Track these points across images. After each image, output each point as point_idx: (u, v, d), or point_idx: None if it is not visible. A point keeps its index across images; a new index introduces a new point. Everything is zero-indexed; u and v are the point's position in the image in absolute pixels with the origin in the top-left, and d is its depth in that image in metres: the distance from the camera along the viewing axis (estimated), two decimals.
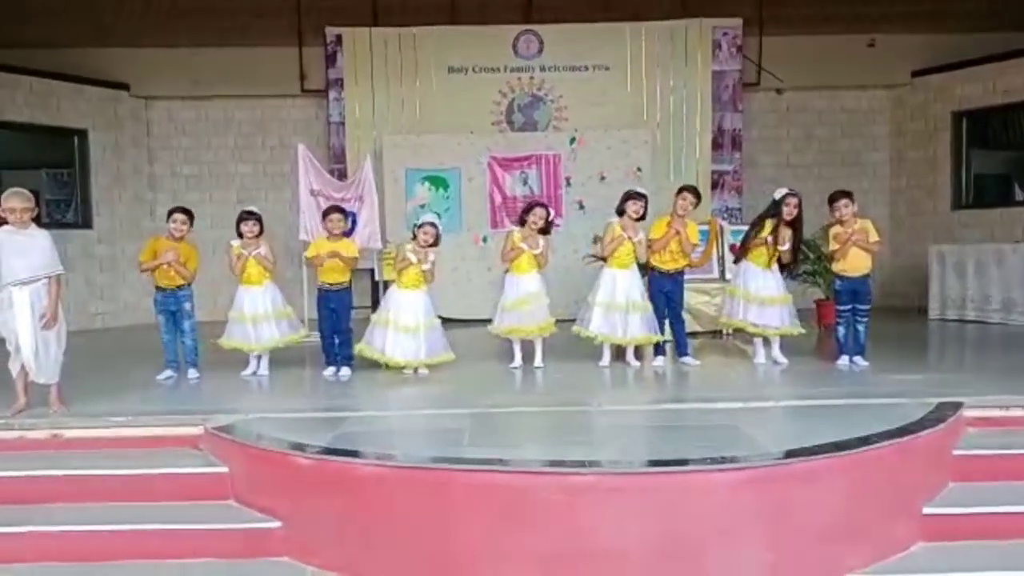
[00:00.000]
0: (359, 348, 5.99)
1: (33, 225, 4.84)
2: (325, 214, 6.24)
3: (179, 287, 5.95)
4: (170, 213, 6.01)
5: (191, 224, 6.00)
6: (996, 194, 9.96)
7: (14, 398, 4.84)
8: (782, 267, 6.05)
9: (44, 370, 4.82)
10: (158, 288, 5.97)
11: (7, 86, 9.04)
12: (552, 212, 6.23)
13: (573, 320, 6.28)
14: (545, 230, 6.16)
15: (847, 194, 5.87)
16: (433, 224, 5.96)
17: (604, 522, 3.50)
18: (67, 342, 5.00)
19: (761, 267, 5.96)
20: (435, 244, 5.93)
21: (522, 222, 6.16)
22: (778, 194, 5.99)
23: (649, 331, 6.05)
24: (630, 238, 5.97)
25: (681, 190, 6.16)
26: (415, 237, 5.96)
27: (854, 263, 5.83)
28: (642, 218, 6.06)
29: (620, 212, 6.09)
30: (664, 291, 6.16)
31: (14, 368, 4.83)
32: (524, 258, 6.09)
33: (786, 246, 5.92)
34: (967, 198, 9.95)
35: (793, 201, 5.90)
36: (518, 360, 6.21)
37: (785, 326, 5.99)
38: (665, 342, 6.26)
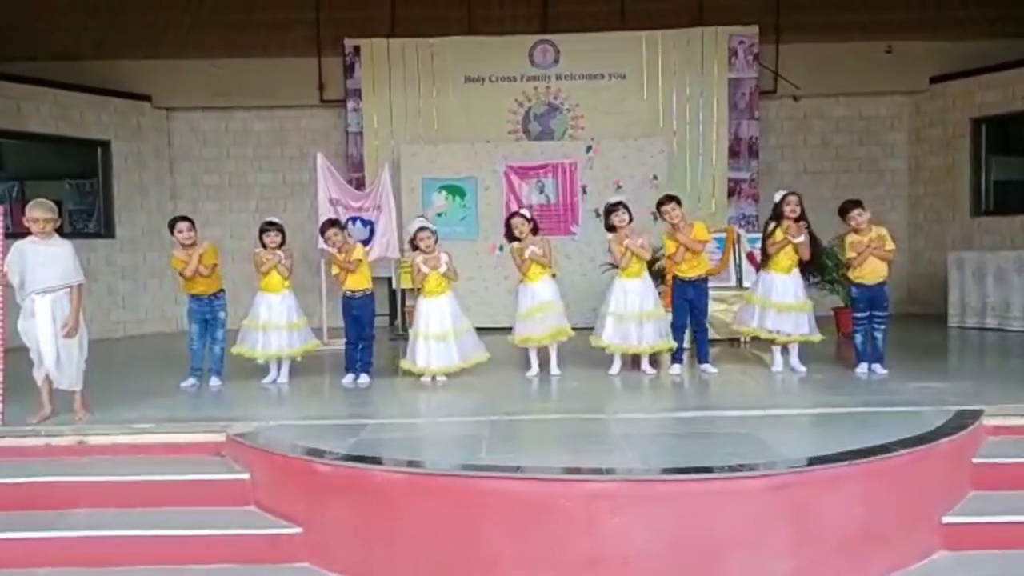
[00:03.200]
0: (402, 365, 6.08)
1: (56, 235, 4.94)
2: (322, 231, 6.32)
3: (214, 294, 6.04)
4: (171, 225, 6.05)
5: (195, 228, 6.04)
6: (1016, 201, 9.85)
7: (39, 406, 4.92)
8: (803, 269, 6.04)
9: (67, 376, 4.90)
10: (193, 296, 6.06)
11: (32, 98, 9.19)
12: (529, 213, 6.24)
13: (591, 328, 6.31)
14: (535, 230, 6.16)
15: (857, 203, 5.87)
16: (424, 228, 6.03)
17: (622, 529, 3.51)
18: (90, 350, 5.08)
19: (782, 273, 5.96)
20: (435, 243, 6.01)
21: (513, 238, 6.17)
22: (777, 196, 6.06)
23: (662, 338, 6.07)
24: (629, 246, 6.00)
25: (658, 206, 6.15)
26: (416, 248, 6.02)
27: (871, 271, 5.82)
28: (630, 222, 6.08)
29: (610, 228, 6.11)
30: (688, 299, 6.17)
31: (39, 376, 4.92)
32: (532, 266, 6.12)
33: (801, 238, 5.87)
34: (987, 205, 9.86)
35: (793, 199, 5.93)
36: (535, 368, 6.23)
37: (800, 333, 5.97)
38: (683, 350, 6.27)
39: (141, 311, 10.14)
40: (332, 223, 6.37)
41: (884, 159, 10.50)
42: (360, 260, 6.17)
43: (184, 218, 6.10)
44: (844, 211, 5.88)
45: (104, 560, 3.95)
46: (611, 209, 6.11)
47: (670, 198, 6.16)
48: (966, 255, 8.86)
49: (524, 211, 6.29)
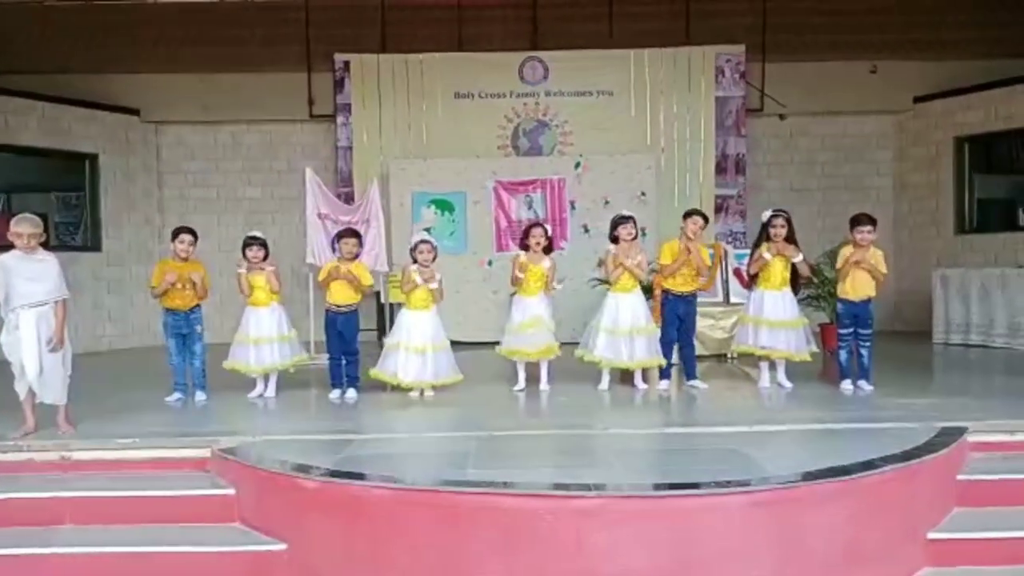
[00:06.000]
0: (372, 372, 6.04)
1: (41, 250, 4.90)
2: (339, 236, 6.28)
3: (191, 309, 5.99)
4: (176, 234, 6.01)
5: (196, 244, 6.03)
6: (999, 219, 9.99)
7: (22, 420, 4.87)
8: (794, 286, 6.06)
9: (51, 391, 4.86)
10: (168, 310, 5.98)
11: (20, 111, 9.17)
12: (550, 229, 6.31)
13: (579, 343, 6.32)
14: (548, 249, 6.21)
15: (872, 220, 5.88)
16: (426, 241, 6.05)
17: (610, 545, 3.51)
18: (75, 364, 5.04)
19: (773, 290, 5.98)
20: (434, 259, 6.02)
21: (525, 246, 6.22)
22: (765, 216, 6.08)
23: (653, 354, 6.09)
24: (622, 263, 6.02)
25: (690, 213, 6.20)
26: (415, 260, 6.02)
27: (857, 287, 5.86)
28: (635, 237, 6.13)
29: (615, 239, 6.14)
30: (678, 314, 6.19)
31: (21, 390, 4.86)
32: (533, 280, 6.15)
33: (799, 257, 5.91)
34: (970, 223, 9.98)
35: (779, 221, 5.95)
36: (522, 382, 6.23)
37: (791, 350, 5.98)
38: (671, 365, 6.29)
39: (127, 325, 10.08)
40: (352, 233, 6.29)
41: (869, 177, 10.60)
42: (369, 283, 6.18)
43: (190, 230, 6.02)
44: (856, 221, 5.89)
45: None
46: (620, 221, 6.12)
47: (701, 213, 6.20)
48: (950, 272, 8.95)
49: (548, 226, 6.32)
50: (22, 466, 4.62)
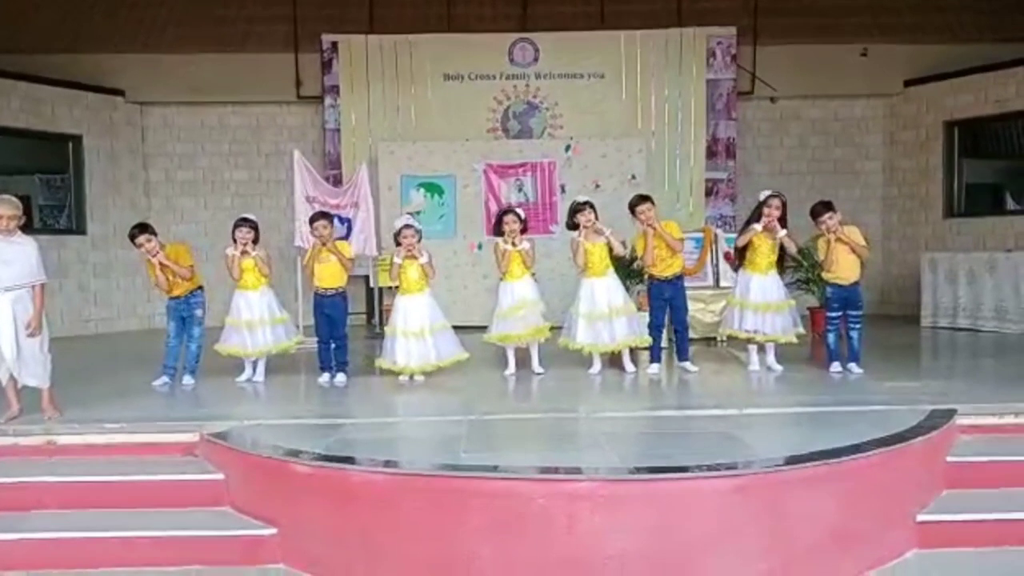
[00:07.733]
0: (377, 362, 6.03)
1: (19, 233, 4.82)
2: (311, 221, 6.27)
3: (192, 292, 5.97)
4: (132, 239, 5.86)
5: (155, 235, 5.87)
6: (988, 203, 10.02)
7: (7, 405, 4.82)
8: (781, 266, 6.05)
9: (32, 374, 4.80)
10: (171, 296, 5.99)
11: (1, 92, 9.02)
12: (523, 213, 6.26)
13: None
14: (524, 230, 6.18)
15: (828, 205, 5.87)
16: (409, 225, 6.01)
17: (600, 529, 3.50)
18: (60, 348, 5.00)
19: (761, 273, 5.98)
20: (419, 241, 5.98)
21: (500, 234, 6.18)
22: (762, 195, 6.04)
23: (634, 333, 6.07)
24: (604, 240, 6.00)
25: (636, 203, 6.11)
26: (399, 244, 5.99)
27: (845, 271, 5.86)
28: (594, 223, 6.04)
29: (574, 226, 6.09)
30: (665, 298, 6.17)
31: (2, 375, 4.81)
32: (515, 263, 6.12)
33: (782, 232, 5.86)
34: (959, 207, 9.99)
35: (775, 203, 5.91)
36: (512, 367, 6.22)
37: (779, 332, 5.98)
38: (661, 349, 6.28)
39: (113, 308, 10.00)
40: (321, 215, 6.27)
41: (859, 161, 10.61)
42: (350, 258, 6.17)
43: (142, 228, 5.85)
44: (816, 214, 5.89)
45: (74, 563, 3.88)
46: (578, 208, 6.09)
47: (644, 198, 6.17)
48: (939, 256, 8.97)
49: (519, 210, 6.28)
50: (7, 450, 4.56)
